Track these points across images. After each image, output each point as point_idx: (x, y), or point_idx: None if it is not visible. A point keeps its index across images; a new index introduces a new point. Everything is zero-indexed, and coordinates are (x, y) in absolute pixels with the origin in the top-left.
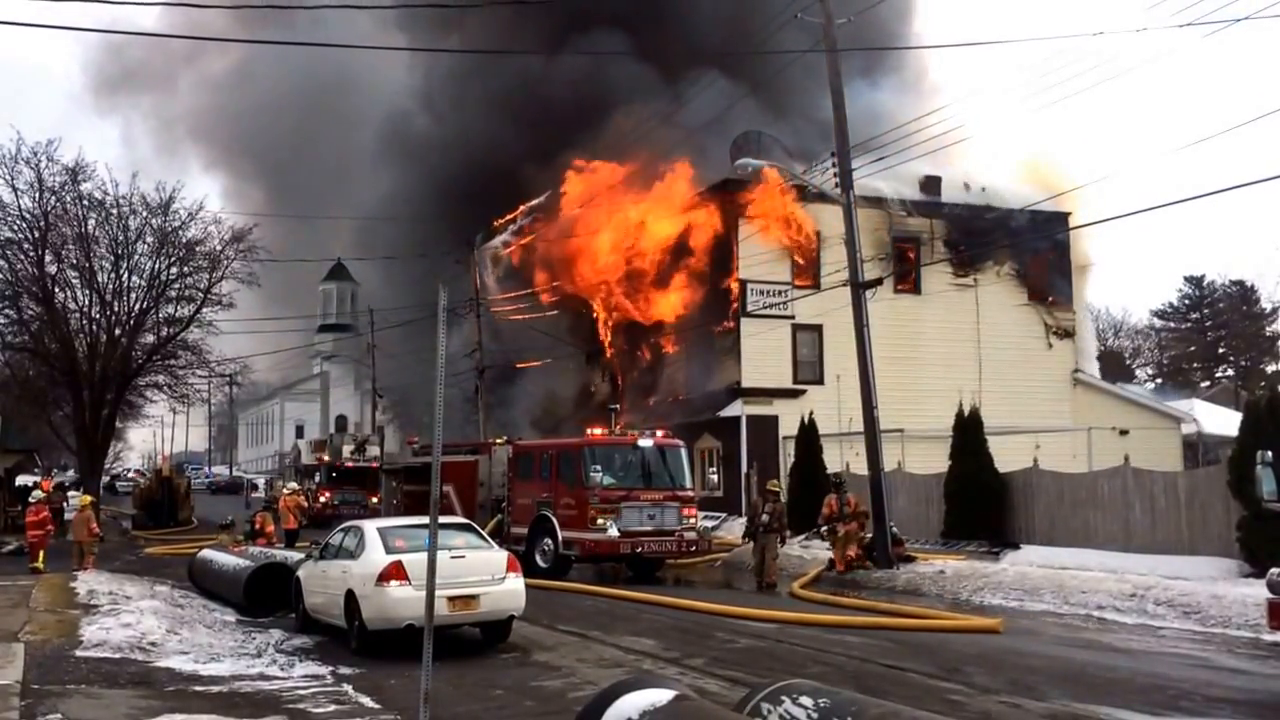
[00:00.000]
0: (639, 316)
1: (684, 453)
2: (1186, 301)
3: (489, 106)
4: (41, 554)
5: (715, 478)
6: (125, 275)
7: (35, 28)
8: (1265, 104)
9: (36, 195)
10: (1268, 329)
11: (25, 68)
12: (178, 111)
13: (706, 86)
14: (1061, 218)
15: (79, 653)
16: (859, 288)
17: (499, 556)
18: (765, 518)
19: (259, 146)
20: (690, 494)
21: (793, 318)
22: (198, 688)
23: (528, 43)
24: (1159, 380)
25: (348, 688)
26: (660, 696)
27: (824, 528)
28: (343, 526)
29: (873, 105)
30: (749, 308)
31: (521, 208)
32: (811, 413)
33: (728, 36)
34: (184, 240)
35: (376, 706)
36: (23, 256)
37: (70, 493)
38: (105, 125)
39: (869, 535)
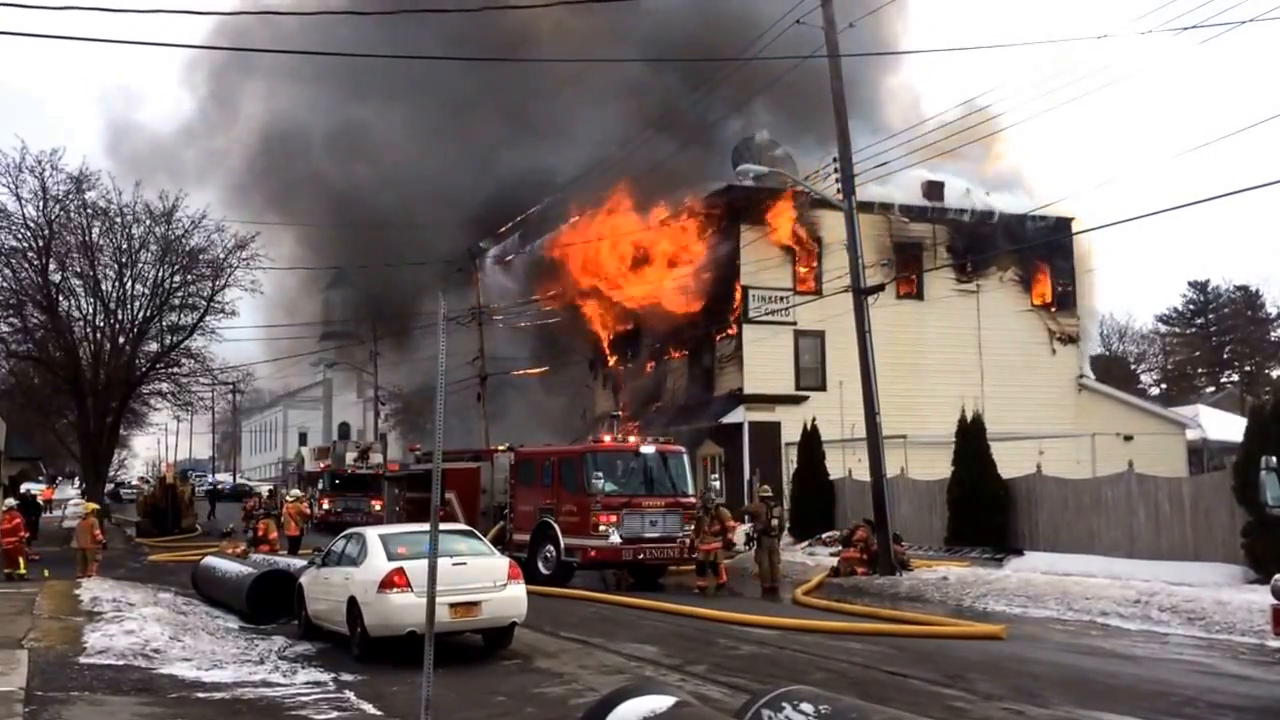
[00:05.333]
0: (639, 321)
1: (686, 459)
2: (1191, 307)
3: (493, 116)
4: (21, 560)
5: (717, 484)
6: (129, 283)
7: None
8: (1269, 108)
9: (41, 204)
10: (1272, 334)
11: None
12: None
13: (709, 92)
14: (1065, 223)
15: (82, 659)
16: (861, 293)
17: (501, 563)
18: (775, 522)
19: (263, 166)
20: (692, 500)
21: (795, 324)
22: (200, 694)
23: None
24: (1163, 385)
25: (350, 694)
26: (661, 703)
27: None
28: (345, 533)
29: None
30: (751, 314)
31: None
32: (814, 419)
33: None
34: (187, 248)
35: (378, 713)
36: (27, 265)
37: (74, 501)
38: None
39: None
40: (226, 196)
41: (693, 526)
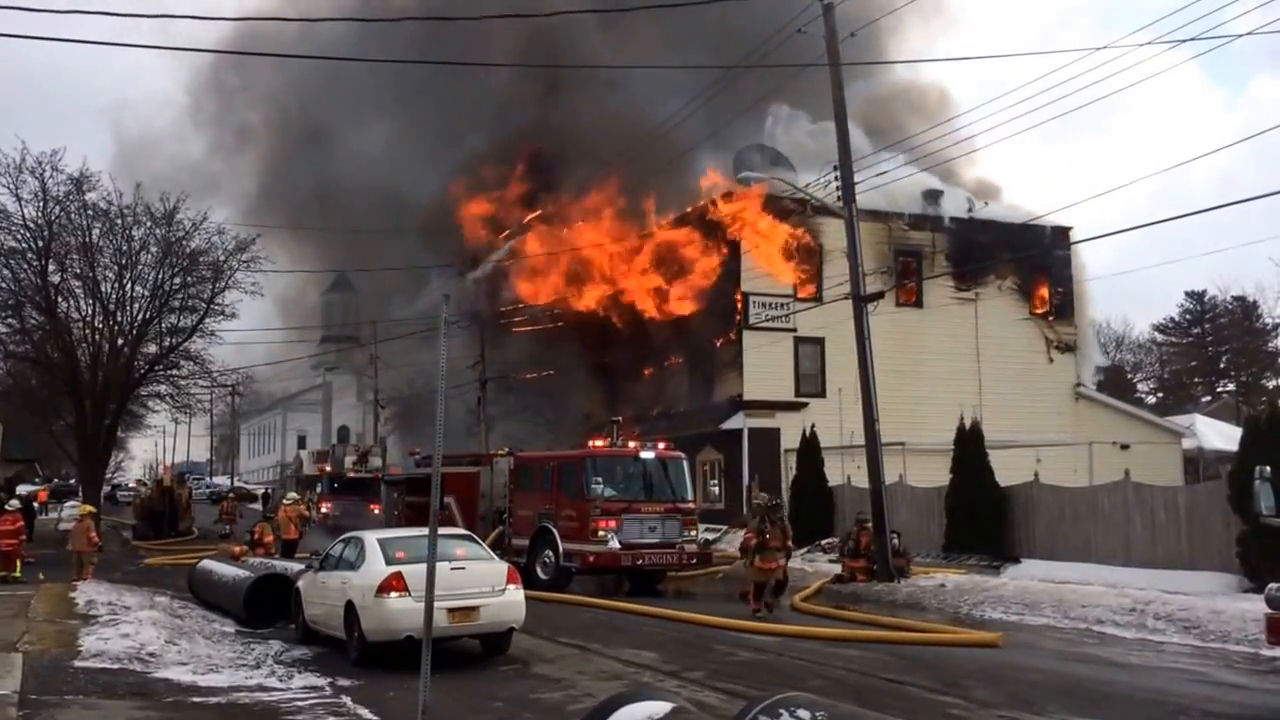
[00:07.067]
0: (639, 327)
1: (685, 465)
2: (1188, 317)
3: (494, 119)
4: (18, 562)
5: (716, 490)
6: (129, 285)
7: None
8: (1267, 118)
9: (41, 205)
10: (1269, 345)
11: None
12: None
13: (710, 98)
14: (1063, 232)
15: (77, 663)
16: (861, 301)
17: (499, 568)
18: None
19: (265, 170)
20: (691, 506)
21: (795, 330)
22: (196, 699)
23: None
24: (1160, 395)
25: (346, 699)
26: (658, 709)
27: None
28: (343, 537)
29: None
30: (751, 320)
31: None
32: (813, 425)
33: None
34: (188, 250)
35: (375, 718)
36: (26, 266)
37: (70, 504)
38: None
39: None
40: (227, 199)
41: (749, 537)
